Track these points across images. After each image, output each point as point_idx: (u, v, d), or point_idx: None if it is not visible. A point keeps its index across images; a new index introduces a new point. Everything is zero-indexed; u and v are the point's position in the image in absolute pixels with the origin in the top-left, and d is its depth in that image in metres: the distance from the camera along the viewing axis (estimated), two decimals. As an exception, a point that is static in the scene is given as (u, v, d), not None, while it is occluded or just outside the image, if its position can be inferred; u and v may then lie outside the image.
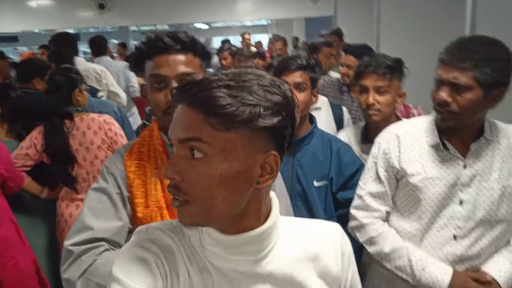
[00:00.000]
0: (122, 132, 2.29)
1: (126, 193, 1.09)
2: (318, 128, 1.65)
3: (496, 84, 1.16)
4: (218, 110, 0.59)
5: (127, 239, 1.06)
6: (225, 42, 6.83)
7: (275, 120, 0.62)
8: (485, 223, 1.27)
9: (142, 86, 1.16)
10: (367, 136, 1.76)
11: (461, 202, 1.27)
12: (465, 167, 1.27)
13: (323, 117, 2.29)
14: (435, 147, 1.30)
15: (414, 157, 1.32)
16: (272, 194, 0.73)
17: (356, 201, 1.42)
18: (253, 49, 5.24)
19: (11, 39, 12.08)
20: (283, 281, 0.70)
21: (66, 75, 2.25)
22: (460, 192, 1.27)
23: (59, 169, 2.17)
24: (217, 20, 9.88)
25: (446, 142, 1.28)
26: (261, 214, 0.70)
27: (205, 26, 13.36)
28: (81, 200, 2.21)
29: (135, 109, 4.22)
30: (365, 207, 1.39)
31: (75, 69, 2.45)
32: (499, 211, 1.26)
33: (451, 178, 1.28)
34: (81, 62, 3.46)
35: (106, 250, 1.01)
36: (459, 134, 1.27)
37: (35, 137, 2.18)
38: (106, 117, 2.28)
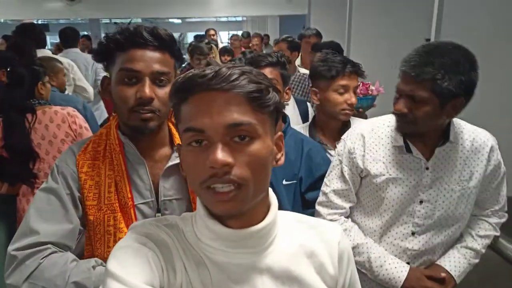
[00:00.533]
0: (86, 125, 2.22)
1: (77, 194, 1.04)
2: (291, 127, 1.64)
3: (454, 96, 1.16)
4: (258, 94, 0.64)
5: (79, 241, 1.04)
6: (198, 37, 6.78)
7: (282, 104, 0.71)
8: (442, 221, 1.33)
9: (104, 78, 1.11)
10: (315, 133, 1.82)
11: (421, 202, 1.31)
12: (427, 169, 1.30)
13: (290, 113, 2.31)
14: (400, 148, 1.32)
15: (378, 157, 1.34)
16: (270, 189, 0.75)
17: (320, 198, 1.45)
18: (221, 45, 5.19)
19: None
20: (280, 275, 0.71)
21: (28, 68, 2.17)
22: (421, 193, 1.31)
23: (18, 166, 2.09)
24: (192, 15, 9.80)
25: (410, 145, 1.31)
26: (265, 207, 0.73)
27: (178, 21, 13.20)
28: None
29: (101, 103, 4.11)
30: (329, 204, 1.42)
31: (41, 60, 2.37)
32: (457, 211, 1.32)
33: (413, 179, 1.31)
34: (46, 55, 3.35)
35: (53, 252, 0.96)
36: (422, 138, 1.30)
37: None
38: (70, 109, 2.20)
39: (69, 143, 2.15)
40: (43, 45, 3.55)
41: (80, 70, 3.70)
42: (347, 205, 1.42)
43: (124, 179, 1.04)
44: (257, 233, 0.69)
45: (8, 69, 2.11)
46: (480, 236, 1.41)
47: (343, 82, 1.71)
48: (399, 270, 1.33)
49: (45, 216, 0.99)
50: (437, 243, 1.36)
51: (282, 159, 0.73)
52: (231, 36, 6.46)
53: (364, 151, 1.36)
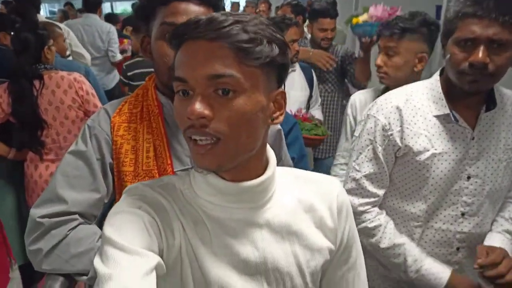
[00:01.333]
0: (93, 91, 2.19)
1: (109, 160, 0.98)
2: None
3: None
4: (246, 45, 0.60)
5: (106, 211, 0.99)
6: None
7: (284, 58, 0.65)
8: (492, 196, 1.20)
9: (143, 37, 1.04)
10: None
11: (468, 178, 1.17)
12: (473, 139, 1.16)
13: (297, 79, 2.30)
14: (442, 118, 1.16)
15: (419, 131, 1.17)
16: (267, 146, 0.73)
17: (349, 184, 1.27)
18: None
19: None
20: (280, 229, 0.70)
21: (33, 32, 2.10)
22: (468, 167, 1.17)
23: (26, 134, 2.06)
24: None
25: (454, 113, 1.15)
26: (264, 160, 0.71)
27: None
28: (51, 160, 2.14)
29: (115, 72, 4.12)
30: (361, 192, 1.25)
31: (42, 24, 2.30)
32: (503, 183, 1.20)
33: (459, 152, 1.16)
34: (42, 20, 3.27)
35: (80, 223, 0.92)
36: (468, 103, 1.14)
37: (0, 95, 2.05)
38: (76, 75, 2.17)
39: (76, 109, 2.13)
40: (37, 10, 3.47)
41: (93, 36, 3.74)
42: (380, 192, 1.25)
43: (164, 144, 0.98)
44: (256, 187, 0.68)
45: (12, 33, 2.04)
46: None
47: (378, 43, 1.64)
48: (437, 276, 1.19)
49: (72, 183, 0.94)
50: (488, 221, 1.22)
51: (281, 118, 0.69)
52: (246, 4, 6.31)
53: (402, 126, 1.18)
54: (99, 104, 2.22)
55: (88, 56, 3.56)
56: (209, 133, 0.61)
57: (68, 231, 0.90)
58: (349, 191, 1.26)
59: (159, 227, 0.65)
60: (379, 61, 1.61)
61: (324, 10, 2.48)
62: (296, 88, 2.29)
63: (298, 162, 1.39)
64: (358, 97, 1.82)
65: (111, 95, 3.57)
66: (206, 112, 0.60)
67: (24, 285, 1.92)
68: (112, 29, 4.00)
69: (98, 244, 0.91)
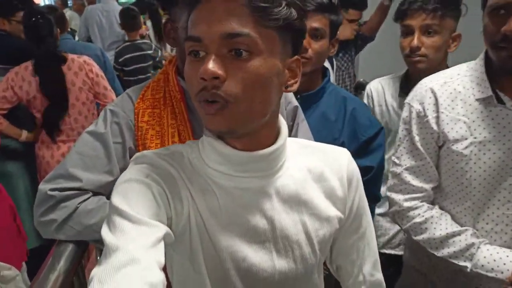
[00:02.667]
0: (102, 73, 2.23)
1: (130, 145, 0.98)
2: (331, 83, 1.38)
3: None
4: (265, 5, 0.57)
5: None
6: None
7: (302, 24, 0.63)
8: None
9: (166, 22, 1.01)
10: (408, 88, 1.38)
11: None
12: None
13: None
14: (485, 101, 1.01)
15: (457, 116, 1.03)
16: (279, 114, 0.72)
17: (391, 181, 1.15)
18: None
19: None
20: (289, 199, 0.70)
21: (46, 18, 2.13)
22: None
23: (55, 114, 2.11)
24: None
25: (500, 94, 0.99)
26: (275, 129, 0.70)
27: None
28: (63, 141, 2.18)
29: None
30: (405, 188, 1.12)
31: (45, 8, 2.35)
32: None
33: (508, 140, 0.99)
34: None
35: (89, 198, 0.94)
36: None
37: (12, 78, 2.09)
38: (86, 58, 2.21)
39: (86, 92, 2.16)
40: None
41: (111, 22, 3.86)
42: (427, 186, 1.10)
43: (187, 129, 0.98)
44: (267, 156, 0.67)
45: (34, 19, 2.07)
46: None
47: (406, 22, 1.40)
48: (505, 249, 1.01)
49: (87, 163, 0.94)
50: None
51: (295, 86, 0.67)
52: None
53: (438, 111, 1.06)
54: (108, 86, 2.25)
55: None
56: (221, 95, 0.59)
57: (78, 203, 0.92)
58: (391, 188, 1.14)
59: (167, 195, 0.64)
60: (416, 42, 1.35)
61: (353, 0, 2.36)
62: None
63: (378, 174, 1.27)
64: (374, 86, 1.63)
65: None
66: (220, 72, 0.58)
67: (35, 268, 1.98)
68: None
69: None
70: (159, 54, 3.63)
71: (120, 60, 3.30)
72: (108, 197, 0.99)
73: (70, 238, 0.95)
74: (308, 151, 0.76)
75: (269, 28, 0.59)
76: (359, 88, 2.64)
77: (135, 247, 0.55)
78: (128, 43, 3.37)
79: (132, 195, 0.61)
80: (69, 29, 2.91)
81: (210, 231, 0.66)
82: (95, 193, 0.96)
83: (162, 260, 0.57)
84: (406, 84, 1.50)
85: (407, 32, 1.40)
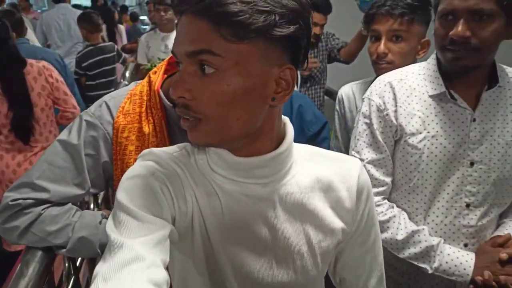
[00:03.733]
0: (62, 79, 2.18)
1: (104, 158, 0.96)
2: None
3: None
4: (229, 18, 0.54)
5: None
6: None
7: (291, 29, 0.56)
8: (500, 185, 1.07)
9: None
10: None
11: (471, 164, 1.05)
12: (474, 120, 1.04)
13: None
14: (438, 97, 1.06)
15: (413, 111, 1.07)
16: (286, 118, 0.70)
17: None
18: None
19: None
20: (293, 207, 0.68)
21: (1, 21, 2.06)
22: (470, 152, 1.05)
23: (22, 117, 2.03)
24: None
25: (452, 91, 1.04)
26: (274, 137, 0.67)
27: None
28: (18, 150, 2.09)
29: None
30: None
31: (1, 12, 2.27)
32: None
33: (457, 135, 1.05)
34: None
35: (54, 205, 0.93)
36: (466, 81, 1.04)
37: None
38: (44, 63, 2.16)
39: (45, 97, 2.10)
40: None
41: (68, 24, 3.82)
42: (388, 179, 1.12)
43: None
44: (267, 162, 0.65)
45: None
46: None
47: (374, 26, 1.37)
48: (464, 253, 1.06)
49: (56, 174, 0.93)
50: (495, 214, 1.10)
51: (286, 98, 0.62)
52: None
53: (396, 105, 1.08)
54: (68, 91, 2.20)
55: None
56: (188, 113, 0.59)
57: (42, 210, 0.91)
58: None
59: (172, 194, 0.63)
60: (382, 48, 1.33)
61: (317, 4, 2.28)
62: None
63: None
64: (345, 91, 1.59)
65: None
66: (186, 93, 0.58)
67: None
68: None
69: (74, 219, 0.93)
70: (123, 55, 3.65)
71: (84, 64, 3.24)
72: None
73: (33, 244, 0.95)
74: (319, 159, 0.73)
75: (238, 42, 0.55)
76: (327, 94, 2.68)
77: (140, 244, 0.54)
78: (91, 47, 3.31)
79: (138, 192, 0.60)
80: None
81: (211, 233, 0.65)
82: (59, 204, 0.94)
83: (166, 258, 0.57)
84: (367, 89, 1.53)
85: (375, 37, 1.38)
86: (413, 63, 1.32)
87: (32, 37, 3.45)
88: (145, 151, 0.68)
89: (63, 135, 0.96)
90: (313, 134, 1.33)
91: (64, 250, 0.94)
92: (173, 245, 0.62)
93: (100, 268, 0.53)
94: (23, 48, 2.52)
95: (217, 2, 0.54)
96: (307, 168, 0.71)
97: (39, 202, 0.92)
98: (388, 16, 1.32)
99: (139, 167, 0.65)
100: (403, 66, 1.28)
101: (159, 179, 0.63)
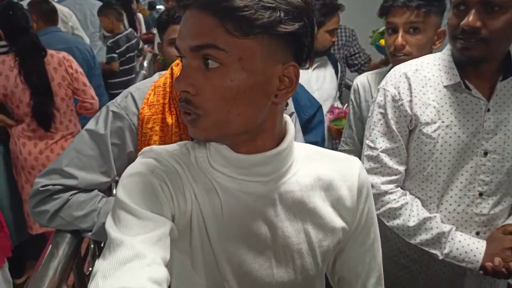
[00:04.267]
0: (81, 70, 2.23)
1: (130, 148, 1.00)
2: None
3: None
4: (234, 13, 0.53)
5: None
6: None
7: (296, 26, 0.56)
8: (511, 174, 1.09)
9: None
10: None
11: (485, 153, 1.06)
12: (488, 110, 1.05)
13: (329, 71, 1.98)
14: (453, 87, 1.07)
15: (428, 101, 1.08)
16: (287, 117, 0.70)
17: (368, 164, 1.15)
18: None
19: None
20: (293, 206, 0.68)
21: (22, 11, 2.12)
22: (484, 142, 1.06)
23: (44, 106, 2.09)
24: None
25: (466, 82, 1.05)
26: (275, 135, 0.66)
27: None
28: (39, 138, 2.16)
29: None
30: (382, 170, 1.13)
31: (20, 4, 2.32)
32: None
33: (471, 125, 1.06)
34: None
35: (81, 192, 0.98)
36: (480, 72, 1.05)
37: None
38: (65, 54, 2.20)
39: (65, 87, 2.15)
40: None
41: (85, 14, 3.82)
42: (401, 168, 1.13)
43: (190, 138, 0.96)
44: (268, 159, 0.65)
45: (11, 12, 2.05)
46: None
47: (390, 19, 1.38)
48: (475, 241, 1.08)
49: (84, 162, 0.97)
50: (510, 204, 1.11)
51: (288, 95, 0.62)
52: None
53: (411, 95, 1.09)
54: (87, 82, 2.25)
55: (87, 39, 3.62)
56: (190, 108, 0.59)
57: (70, 196, 0.97)
58: (368, 171, 1.13)
59: (171, 192, 0.63)
60: (400, 40, 1.34)
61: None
62: (327, 81, 1.96)
63: (321, 147, 1.39)
64: (361, 81, 1.59)
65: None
66: (189, 88, 0.58)
67: (16, 267, 1.97)
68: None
69: (100, 205, 0.98)
70: (140, 43, 3.76)
71: (118, 51, 3.38)
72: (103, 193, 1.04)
73: (61, 227, 1.00)
74: (319, 158, 0.73)
75: (242, 37, 0.55)
76: (347, 87, 2.51)
77: (140, 242, 0.54)
78: (119, 35, 3.43)
79: (138, 189, 0.61)
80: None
81: (210, 231, 0.65)
82: (86, 191, 1.00)
83: (167, 256, 0.57)
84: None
85: (392, 29, 1.38)
86: (430, 53, 1.34)
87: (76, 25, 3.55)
88: (146, 148, 0.69)
89: (90, 125, 1.00)
90: (308, 118, 1.39)
91: (90, 233, 1.00)
92: (172, 243, 0.62)
93: (100, 265, 0.53)
94: (57, 37, 2.67)
95: None
96: (308, 166, 0.71)
97: (67, 188, 0.97)
98: (404, 8, 1.32)
99: (139, 165, 0.65)
100: (421, 57, 1.29)
101: (159, 176, 0.63)
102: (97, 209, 0.98)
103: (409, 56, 1.34)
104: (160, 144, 0.94)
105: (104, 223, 0.95)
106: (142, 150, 0.69)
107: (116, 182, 0.99)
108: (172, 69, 1.03)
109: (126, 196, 0.59)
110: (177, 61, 1.04)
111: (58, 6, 3.44)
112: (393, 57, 1.40)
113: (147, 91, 1.02)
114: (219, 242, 0.65)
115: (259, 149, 0.64)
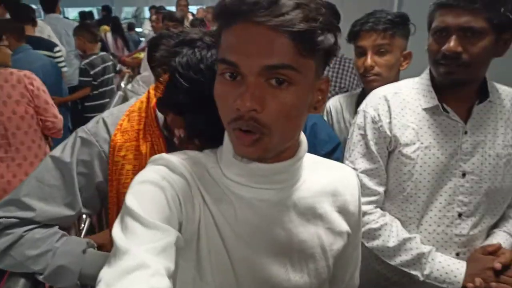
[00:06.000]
0: (45, 88, 2.15)
1: (99, 178, 0.91)
2: None
3: (509, 27, 1.00)
4: (307, 35, 0.56)
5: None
6: (152, 8, 6.67)
7: (337, 46, 0.61)
8: (491, 196, 1.10)
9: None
10: None
11: (463, 174, 1.08)
12: (466, 133, 1.08)
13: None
14: (431, 110, 1.10)
15: (407, 123, 1.11)
16: None
17: None
18: (189, 16, 4.99)
19: None
20: (306, 211, 0.70)
21: None
22: (462, 163, 1.08)
23: None
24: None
25: (444, 105, 1.08)
26: (295, 146, 0.69)
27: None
28: (0, 159, 2.05)
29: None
30: (362, 190, 1.11)
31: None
32: (504, 182, 1.10)
33: (449, 146, 1.08)
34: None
35: (39, 227, 0.88)
36: (458, 95, 1.08)
37: None
38: (27, 72, 2.12)
39: (25, 105, 2.07)
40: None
41: (59, 34, 3.86)
42: (380, 189, 1.14)
43: None
44: (288, 168, 0.67)
45: None
46: None
47: (359, 43, 1.42)
48: (455, 261, 1.08)
49: (45, 192, 0.88)
50: (486, 225, 1.11)
51: (323, 106, 0.67)
52: (206, 8, 6.09)
53: (391, 117, 1.12)
54: (50, 101, 2.17)
55: (64, 50, 3.61)
56: (256, 127, 0.58)
57: (24, 232, 0.86)
58: None
59: (180, 200, 0.63)
60: (369, 61, 1.39)
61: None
62: None
63: None
64: (333, 104, 1.63)
65: (74, 91, 3.53)
66: (258, 105, 0.57)
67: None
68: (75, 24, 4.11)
69: (57, 245, 0.87)
70: (117, 64, 3.75)
71: (91, 72, 3.25)
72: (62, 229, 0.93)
73: (11, 268, 0.88)
74: (320, 166, 0.76)
75: (308, 57, 0.58)
76: None
77: (145, 251, 0.55)
78: (94, 56, 3.34)
79: (146, 197, 0.61)
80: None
81: (225, 239, 0.65)
82: (46, 225, 0.88)
83: (171, 266, 0.57)
84: (361, 101, 1.52)
85: (361, 52, 1.42)
86: (398, 74, 1.44)
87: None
88: (156, 156, 0.69)
89: (56, 151, 0.92)
90: (326, 154, 1.30)
91: (41, 277, 0.87)
92: (177, 252, 0.62)
93: (104, 273, 0.54)
94: (26, 56, 2.66)
95: (297, 17, 0.55)
96: (314, 173, 0.73)
97: (23, 222, 0.86)
98: (372, 32, 1.38)
99: (149, 172, 0.65)
100: (389, 77, 1.39)
101: (167, 184, 0.63)
102: (53, 249, 0.87)
103: (379, 76, 1.39)
104: (133, 173, 0.89)
105: (59, 266, 0.85)
106: (152, 158, 0.69)
107: (80, 216, 0.91)
108: (149, 92, 0.96)
109: (135, 204, 0.59)
110: (155, 84, 0.96)
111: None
112: (363, 78, 1.44)
113: (121, 116, 0.94)
114: (236, 249, 0.65)
115: (281, 158, 0.66)
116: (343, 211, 0.74)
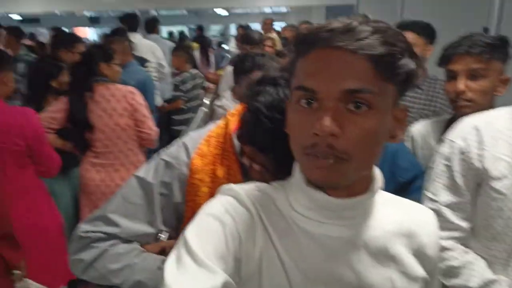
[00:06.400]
0: (144, 103, 2.38)
1: (178, 199, 0.96)
2: None
3: None
4: (388, 59, 0.55)
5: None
6: (240, 27, 7.05)
7: (419, 72, 0.60)
8: None
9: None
10: None
11: None
12: None
13: None
14: None
15: (499, 155, 1.03)
16: None
17: None
18: (274, 34, 5.13)
19: (33, 20, 12.14)
20: (378, 252, 0.66)
21: (95, 50, 2.40)
22: None
23: (76, 134, 2.27)
24: (236, 5, 9.84)
25: None
26: (369, 179, 0.66)
27: (224, 13, 13.32)
28: (101, 165, 2.31)
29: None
30: (442, 224, 1.02)
31: (108, 45, 2.64)
32: None
33: None
34: (139, 38, 3.97)
35: (122, 243, 0.94)
36: None
37: (65, 102, 2.24)
38: (131, 88, 2.37)
39: (126, 118, 2.29)
40: (134, 29, 4.10)
41: (164, 53, 4.21)
42: (465, 225, 1.07)
43: None
44: (358, 203, 0.64)
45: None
46: None
47: (450, 67, 1.33)
48: None
49: (129, 210, 0.94)
50: None
51: (402, 136, 0.63)
52: (286, 26, 6.25)
53: (481, 148, 1.05)
54: (147, 114, 2.38)
55: (168, 68, 4.09)
56: (335, 153, 0.56)
57: (109, 246, 0.93)
58: None
59: (240, 236, 0.62)
60: (461, 86, 1.29)
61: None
62: None
63: None
64: (418, 130, 1.53)
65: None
66: (337, 130, 0.55)
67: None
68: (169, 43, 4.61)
69: (136, 260, 0.93)
70: (205, 82, 4.07)
71: (182, 87, 3.63)
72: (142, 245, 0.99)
73: (93, 280, 0.94)
74: (393, 204, 0.72)
75: (389, 82, 0.57)
76: None
77: None
78: (187, 73, 3.70)
79: (206, 231, 0.61)
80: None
81: (291, 276, 0.63)
82: (127, 241, 0.95)
83: None
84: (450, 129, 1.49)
85: (452, 76, 1.33)
86: (493, 101, 1.31)
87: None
88: (225, 186, 0.69)
89: (140, 172, 0.99)
90: (406, 182, 1.26)
91: None
92: None
93: None
94: (130, 72, 3.00)
95: (376, 42, 0.55)
96: (387, 211, 0.69)
97: (108, 237, 0.93)
98: (466, 55, 1.28)
99: (215, 203, 0.65)
100: (483, 103, 1.27)
101: (231, 219, 0.63)
102: (132, 264, 0.92)
103: (471, 103, 1.29)
104: (209, 195, 0.92)
105: (137, 281, 0.91)
106: (222, 187, 0.69)
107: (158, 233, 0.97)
108: (228, 119, 0.99)
109: (193, 236, 0.60)
110: (233, 111, 1.01)
111: (146, 41, 4.03)
112: (453, 104, 1.35)
113: (200, 140, 1.00)
114: (303, 286, 0.63)
115: (353, 192, 0.63)
116: (419, 254, 0.69)
